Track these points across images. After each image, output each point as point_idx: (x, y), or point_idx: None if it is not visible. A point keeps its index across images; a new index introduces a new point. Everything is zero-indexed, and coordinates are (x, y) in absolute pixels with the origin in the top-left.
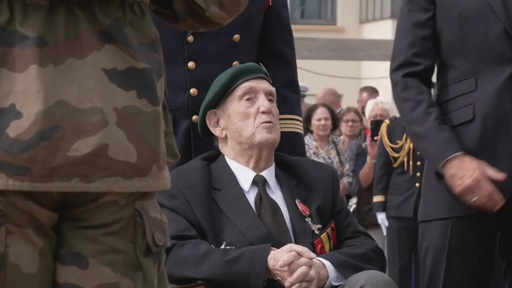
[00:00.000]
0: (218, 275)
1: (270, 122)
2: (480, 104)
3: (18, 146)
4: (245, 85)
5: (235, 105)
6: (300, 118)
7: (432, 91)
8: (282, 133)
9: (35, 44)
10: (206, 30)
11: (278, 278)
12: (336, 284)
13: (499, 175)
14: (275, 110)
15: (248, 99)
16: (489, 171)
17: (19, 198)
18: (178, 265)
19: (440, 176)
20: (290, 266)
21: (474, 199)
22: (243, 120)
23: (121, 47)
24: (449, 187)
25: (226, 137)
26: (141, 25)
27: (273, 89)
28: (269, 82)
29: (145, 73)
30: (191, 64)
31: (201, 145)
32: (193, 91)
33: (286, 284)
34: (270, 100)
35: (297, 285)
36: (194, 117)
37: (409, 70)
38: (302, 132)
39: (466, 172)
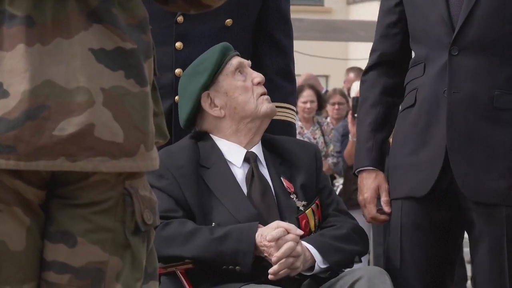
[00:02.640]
0: (206, 254)
1: (266, 93)
2: (421, 89)
3: (4, 125)
4: (234, 62)
5: (231, 81)
6: (293, 107)
7: None
8: (273, 121)
9: (23, 23)
10: (196, 12)
11: (265, 254)
12: (323, 266)
13: (387, 208)
14: None
15: (240, 74)
16: (383, 197)
17: (6, 176)
18: (164, 244)
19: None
20: (278, 241)
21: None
22: (244, 94)
23: (108, 27)
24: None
25: (224, 116)
26: (130, 5)
27: (249, 61)
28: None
29: (133, 54)
30: (178, 44)
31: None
32: (178, 71)
33: (274, 259)
34: None
35: (284, 260)
36: (177, 97)
37: (375, 60)
38: (294, 121)
39: (362, 189)
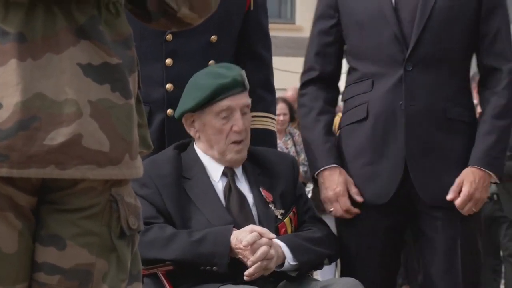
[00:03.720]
0: (185, 256)
1: (241, 141)
2: (373, 103)
3: None
4: (224, 104)
5: (212, 119)
6: (274, 116)
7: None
8: (256, 130)
9: (15, 40)
10: (178, 29)
11: (240, 256)
12: (293, 263)
13: (359, 197)
14: (248, 122)
15: (224, 117)
16: (353, 189)
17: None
18: (145, 248)
19: (315, 181)
20: (252, 246)
21: (330, 209)
22: (217, 135)
23: (96, 43)
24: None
25: (199, 138)
26: (116, 23)
27: (249, 101)
28: (247, 91)
29: (118, 68)
30: (168, 61)
31: (174, 136)
32: (169, 86)
33: (249, 263)
34: (244, 113)
35: (258, 263)
36: (168, 111)
37: (312, 76)
38: (274, 129)
39: (330, 185)
